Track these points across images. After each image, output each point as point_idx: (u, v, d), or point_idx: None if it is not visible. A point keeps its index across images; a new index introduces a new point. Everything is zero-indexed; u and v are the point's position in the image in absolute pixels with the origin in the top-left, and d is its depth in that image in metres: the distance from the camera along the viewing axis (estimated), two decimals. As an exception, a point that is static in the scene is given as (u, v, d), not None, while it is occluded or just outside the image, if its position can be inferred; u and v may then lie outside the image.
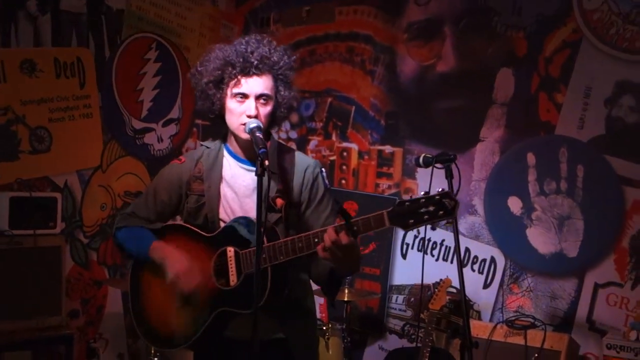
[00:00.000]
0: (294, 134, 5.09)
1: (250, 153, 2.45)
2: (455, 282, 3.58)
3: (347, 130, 4.88)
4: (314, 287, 2.64)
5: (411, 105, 4.63)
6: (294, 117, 4.98)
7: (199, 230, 2.52)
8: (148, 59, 4.83)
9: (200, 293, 2.44)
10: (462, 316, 2.83)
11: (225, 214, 2.51)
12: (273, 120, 2.53)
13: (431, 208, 2.09)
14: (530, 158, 4.12)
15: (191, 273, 2.43)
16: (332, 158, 4.91)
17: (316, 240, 2.25)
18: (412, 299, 4.53)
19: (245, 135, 2.40)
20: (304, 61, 5.00)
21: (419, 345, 3.86)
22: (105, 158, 4.61)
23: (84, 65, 4.45)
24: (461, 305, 2.84)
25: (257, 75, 2.43)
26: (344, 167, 4.87)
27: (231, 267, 2.42)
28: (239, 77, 2.43)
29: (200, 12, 5.14)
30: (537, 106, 4.12)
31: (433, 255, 4.41)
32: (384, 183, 4.71)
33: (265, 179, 2.20)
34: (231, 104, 2.45)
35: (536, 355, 3.67)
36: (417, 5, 4.59)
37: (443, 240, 4.40)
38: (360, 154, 4.82)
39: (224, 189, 2.53)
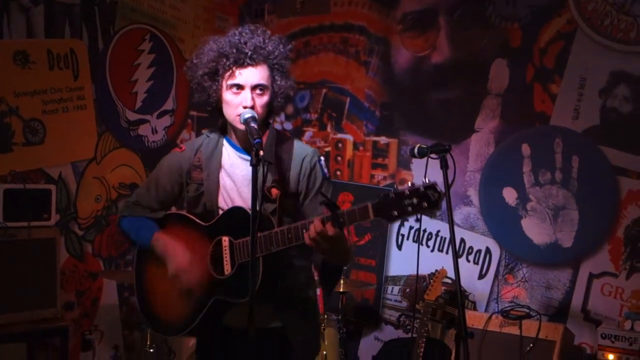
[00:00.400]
0: (289, 126, 5.08)
1: (248, 143, 2.44)
2: (451, 273, 3.58)
3: (342, 122, 4.87)
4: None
5: (406, 96, 4.63)
6: (289, 109, 4.97)
7: (197, 220, 2.53)
8: (142, 50, 4.80)
9: (198, 282, 2.47)
10: (458, 307, 2.83)
11: (224, 203, 2.52)
12: (271, 110, 2.52)
13: (415, 200, 2.08)
14: (525, 149, 4.12)
15: (190, 268, 2.46)
16: (327, 149, 4.90)
17: (304, 230, 2.25)
18: (408, 290, 4.53)
19: (241, 126, 2.40)
20: (299, 52, 4.99)
21: (414, 335, 3.87)
22: (100, 150, 4.59)
23: (77, 56, 4.42)
24: (456, 295, 2.86)
25: (252, 65, 2.42)
26: (339, 158, 4.87)
27: (226, 257, 2.43)
28: (233, 68, 2.42)
29: (194, 3, 5.11)
30: (532, 97, 4.11)
31: (428, 246, 4.42)
32: (379, 174, 4.71)
33: (260, 169, 2.20)
34: (227, 95, 2.45)
35: (531, 345, 3.68)
36: (411, -4, 4.58)
37: (438, 231, 4.41)
38: (355, 145, 4.81)
39: (223, 178, 2.53)
